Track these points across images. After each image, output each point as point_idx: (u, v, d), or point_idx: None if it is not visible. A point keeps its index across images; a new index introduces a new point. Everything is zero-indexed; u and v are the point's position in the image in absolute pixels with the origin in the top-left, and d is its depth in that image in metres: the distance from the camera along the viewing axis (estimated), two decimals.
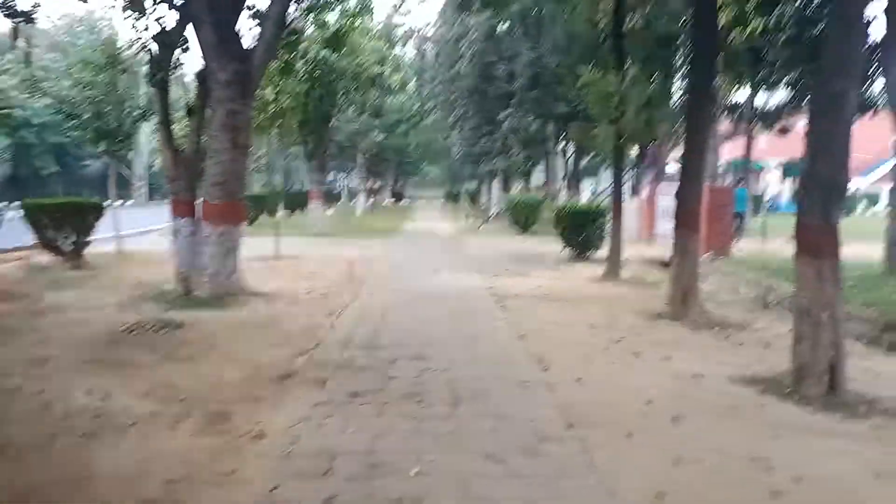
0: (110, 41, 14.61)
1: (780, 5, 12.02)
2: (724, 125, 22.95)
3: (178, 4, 9.19)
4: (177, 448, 3.81)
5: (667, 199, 17.22)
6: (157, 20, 9.26)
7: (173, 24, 9.22)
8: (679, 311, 7.55)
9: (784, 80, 13.93)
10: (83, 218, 11.56)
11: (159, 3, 9.29)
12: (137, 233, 18.23)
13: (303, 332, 6.83)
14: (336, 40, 15.08)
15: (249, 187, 30.61)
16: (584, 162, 30.48)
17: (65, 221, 11.35)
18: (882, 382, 5.28)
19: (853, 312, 7.44)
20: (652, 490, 3.33)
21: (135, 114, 14.43)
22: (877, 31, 10.11)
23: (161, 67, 9.24)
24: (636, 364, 5.75)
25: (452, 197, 55.68)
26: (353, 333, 6.84)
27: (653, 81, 12.11)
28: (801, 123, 16.03)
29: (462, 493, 3.31)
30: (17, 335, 6.40)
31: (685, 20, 15.25)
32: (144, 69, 10.75)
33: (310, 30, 15.72)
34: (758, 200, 24.24)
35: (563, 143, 30.28)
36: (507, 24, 24.90)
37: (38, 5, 9.30)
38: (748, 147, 22.91)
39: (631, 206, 15.97)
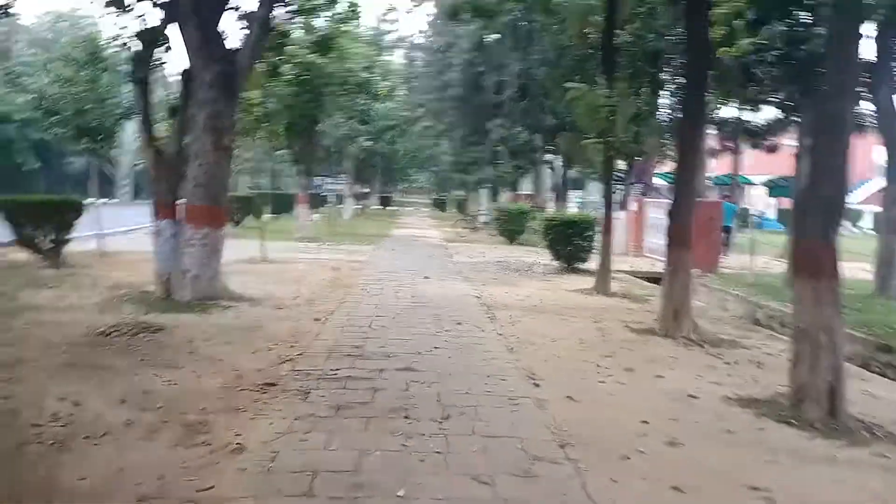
0: (91, 38, 14.38)
1: (768, 24, 12.06)
2: (711, 141, 23.08)
3: (161, 3, 9.04)
4: (151, 460, 3.62)
5: (654, 213, 17.30)
6: (139, 17, 9.11)
7: (157, 23, 9.07)
8: (671, 327, 7.44)
9: (772, 99, 13.98)
10: (62, 216, 11.29)
11: (142, 0, 9.14)
12: (120, 232, 17.90)
13: (287, 338, 6.64)
14: (324, 45, 14.96)
15: (236, 189, 30.31)
16: (571, 174, 30.53)
17: (43, 219, 11.08)
18: (880, 406, 5.19)
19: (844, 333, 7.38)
20: None
21: (117, 112, 14.17)
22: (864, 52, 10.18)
23: (142, 66, 9.07)
24: (629, 381, 5.62)
25: (440, 204, 55.62)
26: (340, 341, 6.65)
27: (641, 97, 12.11)
28: (788, 141, 16.11)
29: None
30: None
31: (674, 37, 15.37)
32: (127, 67, 10.57)
33: (298, 33, 15.59)
34: (744, 215, 24.38)
35: (552, 154, 30.30)
36: (496, 35, 24.92)
37: None
38: (735, 163, 23.07)
39: (619, 220, 15.92)
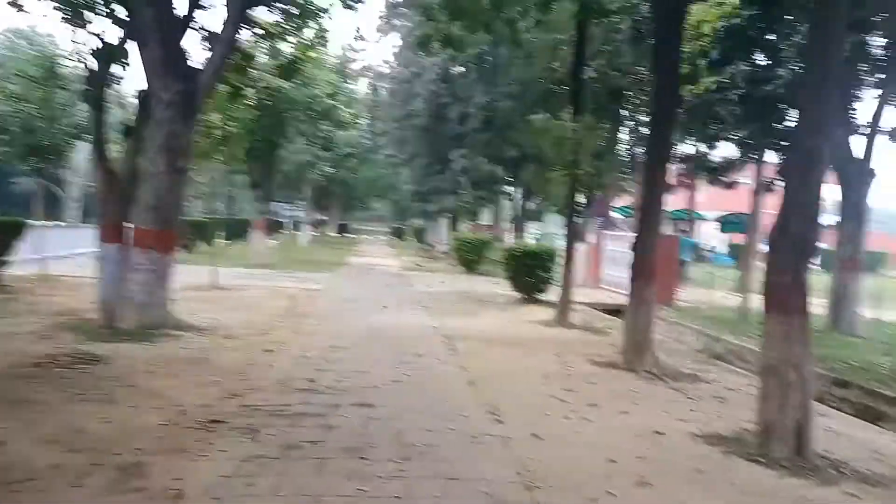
0: (46, 55, 13.92)
1: (731, 64, 12.39)
2: (669, 176, 23.57)
3: (122, 19, 8.74)
4: None
5: (612, 246, 17.43)
6: (96, 34, 8.76)
7: (115, 40, 8.74)
8: (633, 360, 7.34)
9: (732, 136, 14.31)
10: (2, 236, 10.72)
11: (101, 16, 8.81)
12: (67, 255, 17.10)
13: (236, 371, 6.29)
14: (288, 69, 14.76)
15: (190, 213, 29.56)
16: (530, 205, 30.76)
17: None
18: (842, 443, 5.13)
19: None
20: None
21: (70, 131, 13.68)
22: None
23: (97, 83, 8.71)
24: (594, 418, 5.44)
25: (398, 233, 55.43)
26: (293, 374, 6.33)
27: (604, 132, 12.29)
28: (742, 179, 16.50)
29: None
30: None
31: (635, 76, 15.69)
32: (82, 85, 10.19)
33: (263, 59, 15.36)
34: (697, 249, 24.86)
35: (512, 185, 30.53)
36: (462, 67, 25.15)
37: None
38: (691, 198, 23.55)
39: (578, 252, 15.96)
